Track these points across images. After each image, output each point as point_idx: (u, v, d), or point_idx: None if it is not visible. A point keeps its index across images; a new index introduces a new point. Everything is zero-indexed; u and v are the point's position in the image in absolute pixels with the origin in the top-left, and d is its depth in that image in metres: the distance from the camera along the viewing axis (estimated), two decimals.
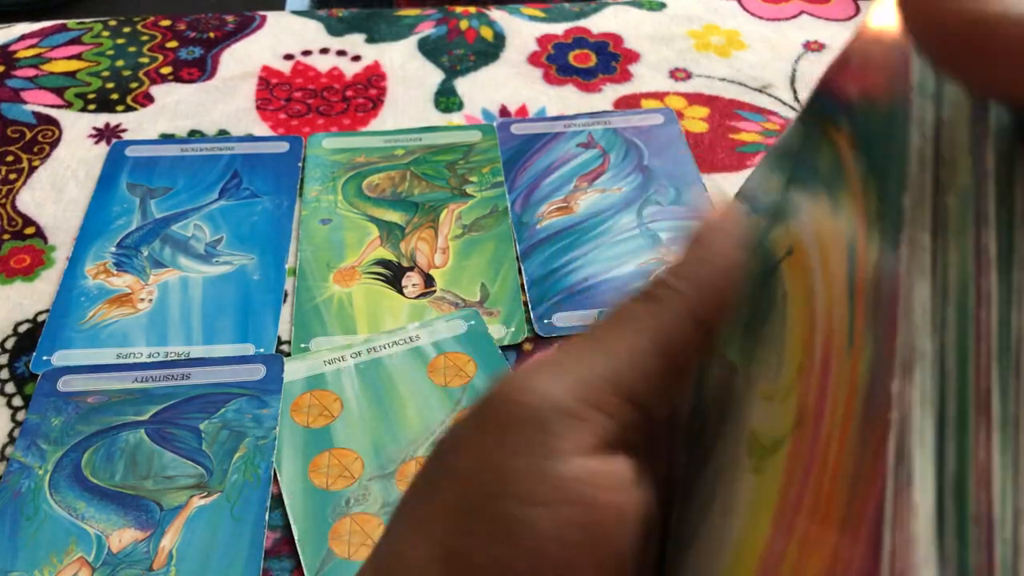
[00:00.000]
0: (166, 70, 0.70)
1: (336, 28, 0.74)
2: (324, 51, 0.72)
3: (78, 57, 0.71)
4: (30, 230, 0.58)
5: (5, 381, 0.49)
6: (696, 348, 0.20)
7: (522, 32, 0.74)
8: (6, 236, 0.57)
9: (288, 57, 0.71)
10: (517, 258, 0.56)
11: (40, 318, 0.52)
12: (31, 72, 0.69)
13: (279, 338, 0.51)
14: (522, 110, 0.67)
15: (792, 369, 0.18)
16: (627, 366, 0.19)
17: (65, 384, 0.48)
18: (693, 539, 0.20)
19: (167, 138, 0.64)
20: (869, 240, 0.16)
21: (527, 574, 0.17)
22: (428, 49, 0.72)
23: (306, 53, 0.72)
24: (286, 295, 0.54)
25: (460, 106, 0.67)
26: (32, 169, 0.62)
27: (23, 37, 0.72)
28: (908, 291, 0.14)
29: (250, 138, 0.64)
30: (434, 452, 0.20)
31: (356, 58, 0.71)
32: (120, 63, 0.70)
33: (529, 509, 0.17)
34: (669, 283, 0.21)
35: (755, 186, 0.23)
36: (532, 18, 0.76)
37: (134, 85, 0.68)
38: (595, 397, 0.19)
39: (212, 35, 0.73)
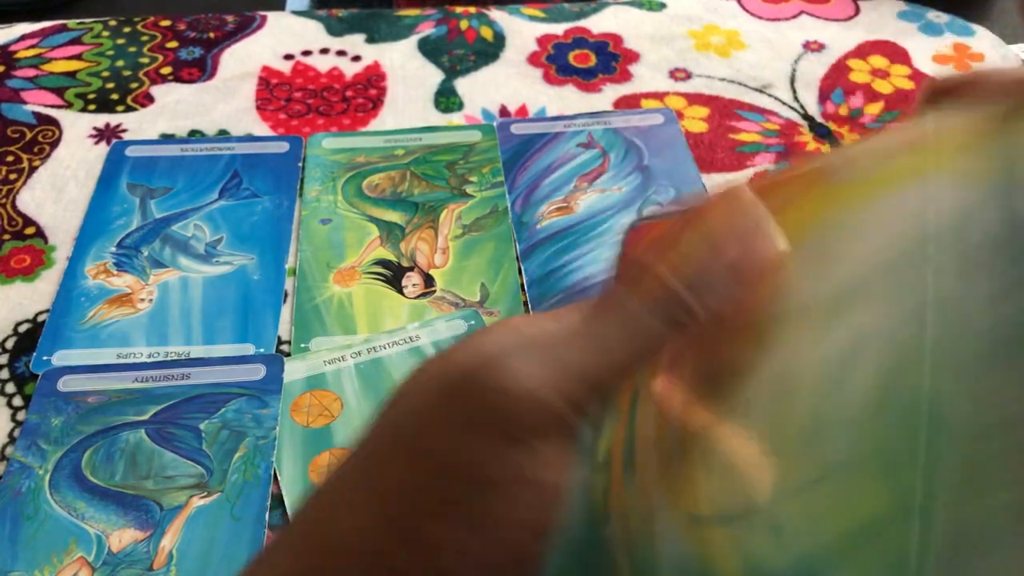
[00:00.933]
0: (166, 70, 0.70)
1: (336, 28, 0.74)
2: (324, 51, 0.72)
3: (78, 57, 0.71)
4: (30, 230, 0.58)
5: (5, 381, 0.49)
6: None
7: (522, 32, 0.74)
8: (6, 236, 0.57)
9: (288, 57, 0.71)
10: (517, 258, 0.56)
11: (40, 318, 0.52)
12: (31, 72, 0.69)
13: (279, 338, 0.51)
14: (522, 110, 0.67)
15: None
16: (613, 369, 0.20)
17: (65, 384, 0.48)
18: None
19: (167, 138, 0.64)
20: None
21: (487, 557, 0.19)
22: (428, 49, 0.72)
23: (306, 53, 0.72)
24: (286, 295, 0.54)
25: (460, 106, 0.67)
26: (32, 169, 0.62)
27: (23, 37, 0.72)
28: None
29: (250, 138, 0.64)
30: (393, 422, 0.21)
31: (356, 58, 0.71)
32: (120, 63, 0.70)
33: (499, 499, 0.19)
34: (692, 309, 0.20)
35: None
36: (532, 18, 0.76)
37: (134, 85, 0.68)
38: (574, 392, 0.19)
39: (212, 35, 0.73)
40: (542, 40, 0.74)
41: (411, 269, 0.55)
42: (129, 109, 0.66)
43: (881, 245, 0.19)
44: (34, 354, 0.50)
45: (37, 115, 0.66)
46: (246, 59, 0.71)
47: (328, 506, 0.21)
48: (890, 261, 0.19)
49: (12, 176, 0.61)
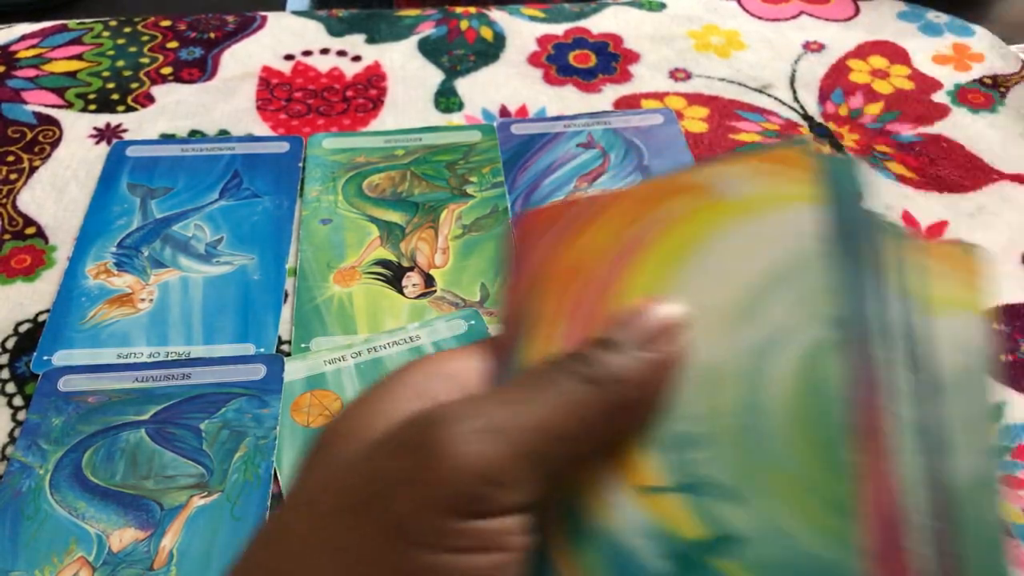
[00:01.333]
0: (167, 70, 0.70)
1: (336, 28, 0.74)
2: (324, 51, 0.72)
3: (79, 57, 0.71)
4: (31, 230, 0.58)
5: (6, 381, 0.49)
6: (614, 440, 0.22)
7: (522, 32, 0.74)
8: (7, 236, 0.57)
9: (288, 57, 0.72)
10: None
11: (41, 318, 0.52)
12: (32, 72, 0.69)
13: (279, 338, 0.51)
14: (522, 110, 0.67)
15: None
16: (559, 450, 0.21)
17: (66, 384, 0.48)
18: None
19: (167, 138, 0.64)
20: None
21: None
22: (428, 49, 0.72)
23: (306, 53, 0.72)
24: (286, 295, 0.54)
25: (460, 106, 0.67)
26: (33, 169, 0.62)
27: (23, 37, 0.72)
28: None
29: (250, 138, 0.64)
30: (358, 472, 0.21)
31: (356, 58, 0.71)
32: (121, 63, 0.70)
33: (459, 557, 0.20)
34: (620, 376, 0.21)
35: None
36: (532, 18, 0.76)
37: (135, 85, 0.68)
38: (525, 474, 0.20)
39: (212, 35, 0.73)
40: (542, 40, 0.74)
41: (411, 269, 0.55)
42: (129, 109, 0.66)
43: (771, 257, 0.22)
44: (34, 354, 0.50)
45: (37, 115, 0.66)
46: (246, 59, 0.71)
47: (279, 558, 0.21)
48: (783, 270, 0.22)
49: (12, 176, 0.61)
